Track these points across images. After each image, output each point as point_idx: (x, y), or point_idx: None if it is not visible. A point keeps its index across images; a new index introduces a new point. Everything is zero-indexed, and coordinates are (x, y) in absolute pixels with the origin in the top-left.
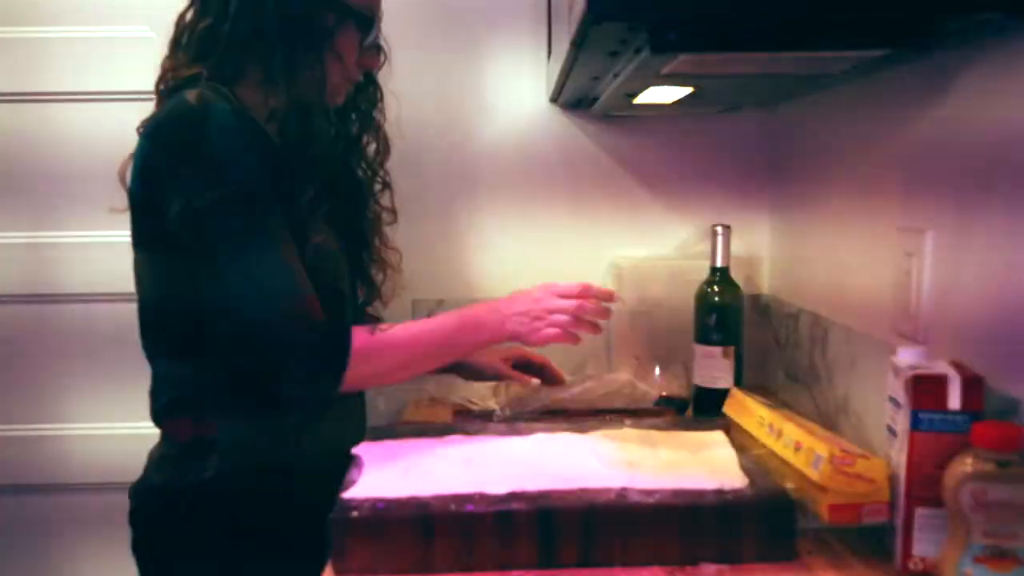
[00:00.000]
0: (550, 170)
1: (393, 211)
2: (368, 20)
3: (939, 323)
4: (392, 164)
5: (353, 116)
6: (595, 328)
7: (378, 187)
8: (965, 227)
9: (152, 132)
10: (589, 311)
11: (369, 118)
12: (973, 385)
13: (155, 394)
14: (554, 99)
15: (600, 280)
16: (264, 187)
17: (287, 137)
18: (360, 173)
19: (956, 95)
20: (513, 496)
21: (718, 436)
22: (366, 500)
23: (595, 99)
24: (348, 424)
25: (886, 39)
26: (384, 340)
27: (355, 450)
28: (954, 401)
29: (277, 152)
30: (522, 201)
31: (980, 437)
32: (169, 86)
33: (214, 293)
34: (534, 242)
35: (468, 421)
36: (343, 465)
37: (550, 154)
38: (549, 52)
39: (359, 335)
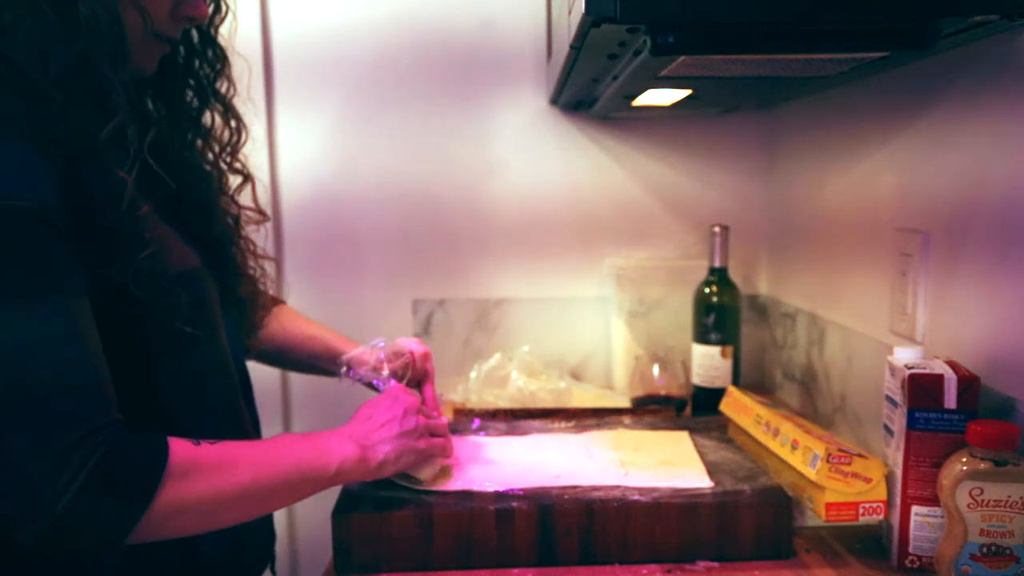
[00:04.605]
0: (549, 171)
1: (259, 210)
2: None
3: (935, 323)
4: (391, 166)
5: (190, 88)
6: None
7: (236, 180)
8: (962, 228)
9: None
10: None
11: (211, 91)
12: (969, 384)
13: None
14: (554, 101)
15: (599, 281)
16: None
17: (70, 120)
18: (207, 164)
19: (954, 96)
20: (512, 494)
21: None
22: (367, 498)
23: (594, 101)
24: None
25: (884, 41)
26: (216, 455)
27: None
28: (950, 400)
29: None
30: (522, 202)
31: (976, 436)
32: None
33: None
34: (534, 242)
35: (468, 420)
36: None
37: (550, 155)
38: (549, 54)
39: (178, 447)
